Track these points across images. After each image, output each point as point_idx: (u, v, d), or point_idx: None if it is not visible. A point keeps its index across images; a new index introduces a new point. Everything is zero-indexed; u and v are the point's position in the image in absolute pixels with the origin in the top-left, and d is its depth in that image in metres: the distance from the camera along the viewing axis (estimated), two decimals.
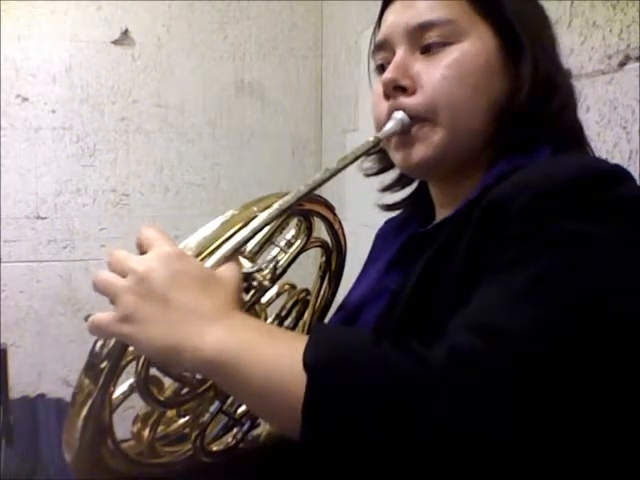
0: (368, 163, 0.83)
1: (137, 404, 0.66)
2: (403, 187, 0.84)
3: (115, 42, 2.30)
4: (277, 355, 0.53)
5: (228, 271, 0.60)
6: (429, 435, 0.46)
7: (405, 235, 0.79)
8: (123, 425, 0.67)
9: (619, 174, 0.57)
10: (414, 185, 0.84)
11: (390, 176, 0.83)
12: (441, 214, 0.75)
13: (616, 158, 1.02)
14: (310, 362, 0.50)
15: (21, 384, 2.22)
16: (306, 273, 0.80)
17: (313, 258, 0.83)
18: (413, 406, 0.47)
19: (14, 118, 2.22)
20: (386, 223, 0.89)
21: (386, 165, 0.81)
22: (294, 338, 0.57)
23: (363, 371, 0.49)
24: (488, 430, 0.46)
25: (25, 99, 2.23)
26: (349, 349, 0.51)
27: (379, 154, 0.80)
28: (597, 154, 0.76)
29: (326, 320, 0.82)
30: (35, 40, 2.22)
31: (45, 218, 2.27)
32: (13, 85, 2.21)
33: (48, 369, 2.27)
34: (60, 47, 2.25)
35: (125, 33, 2.30)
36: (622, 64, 1.02)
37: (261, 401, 0.54)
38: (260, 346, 0.54)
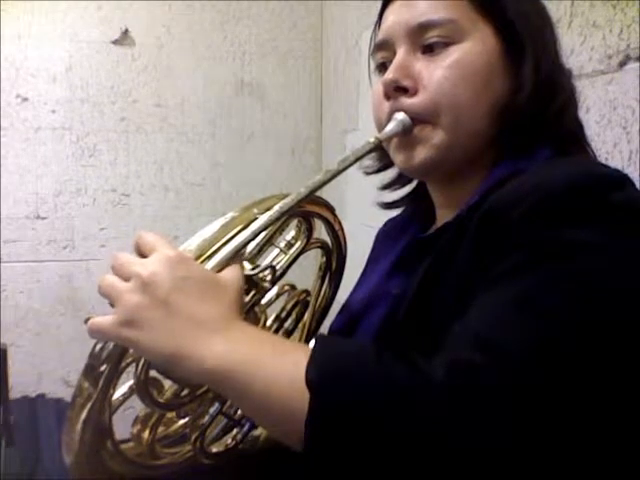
0: (368, 161, 0.82)
1: (137, 405, 0.66)
2: (403, 185, 0.84)
3: (115, 42, 2.29)
4: (278, 368, 0.52)
5: (230, 275, 0.59)
6: (429, 448, 0.46)
7: (406, 238, 0.79)
8: (123, 426, 0.67)
9: (619, 179, 0.57)
10: (414, 183, 0.84)
11: (390, 174, 0.83)
12: (441, 216, 0.75)
13: (616, 158, 1.02)
14: (312, 379, 0.50)
15: (21, 384, 2.22)
16: (306, 274, 0.80)
17: (313, 259, 0.83)
18: (414, 420, 0.47)
19: (14, 118, 2.21)
20: (386, 224, 0.89)
21: (386, 163, 0.81)
22: (296, 350, 0.56)
23: (364, 387, 0.49)
24: (488, 442, 0.46)
25: (25, 99, 2.23)
26: (350, 365, 0.51)
27: (379, 152, 0.80)
28: (597, 154, 0.75)
29: (328, 322, 0.82)
30: (35, 40, 2.22)
31: (45, 218, 2.27)
32: (13, 85, 2.21)
33: (48, 369, 2.27)
34: (60, 47, 2.25)
35: (125, 33, 2.30)
36: (622, 64, 1.01)
37: (262, 412, 0.54)
38: (261, 359, 0.53)
